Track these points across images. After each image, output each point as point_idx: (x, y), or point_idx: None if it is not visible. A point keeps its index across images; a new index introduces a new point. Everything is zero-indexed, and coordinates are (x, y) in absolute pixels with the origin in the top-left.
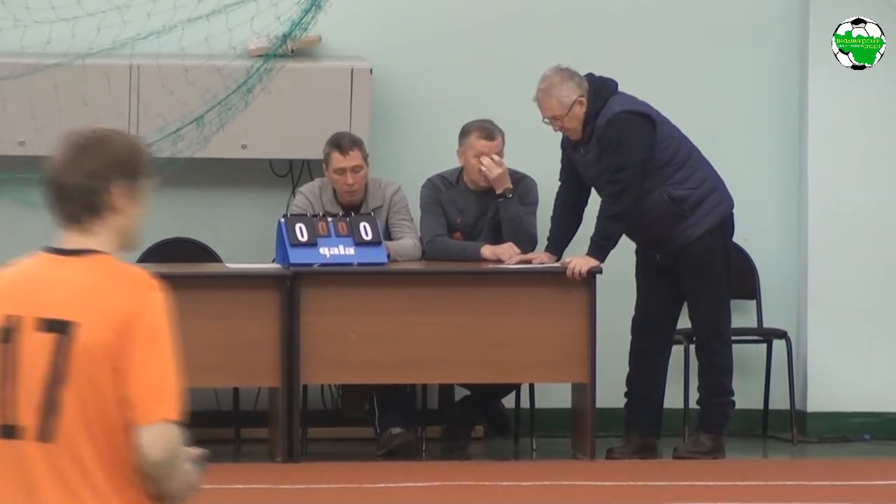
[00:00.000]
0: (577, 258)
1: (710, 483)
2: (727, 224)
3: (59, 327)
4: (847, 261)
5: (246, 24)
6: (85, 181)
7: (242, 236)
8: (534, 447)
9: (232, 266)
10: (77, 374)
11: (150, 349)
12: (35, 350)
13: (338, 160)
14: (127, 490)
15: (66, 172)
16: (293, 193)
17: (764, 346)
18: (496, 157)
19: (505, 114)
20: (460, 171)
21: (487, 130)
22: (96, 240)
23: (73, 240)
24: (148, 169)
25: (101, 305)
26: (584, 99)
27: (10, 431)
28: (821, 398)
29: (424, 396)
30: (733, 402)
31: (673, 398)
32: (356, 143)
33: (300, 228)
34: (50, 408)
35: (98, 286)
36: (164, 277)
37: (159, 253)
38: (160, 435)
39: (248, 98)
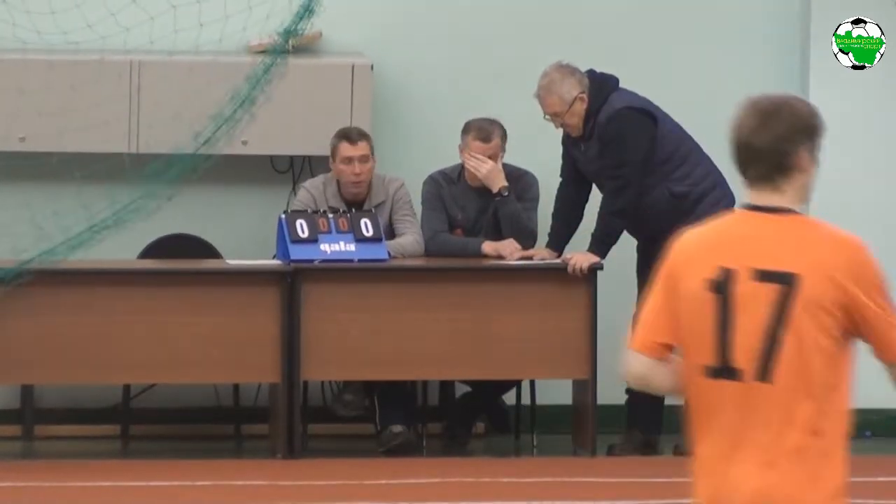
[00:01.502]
0: (578, 254)
1: None
2: None
3: (781, 278)
4: None
5: (246, 20)
6: (776, 144)
7: (243, 232)
8: (535, 444)
9: (232, 262)
10: (796, 320)
11: (873, 299)
12: (754, 298)
13: (346, 149)
14: (828, 432)
15: (757, 137)
16: (294, 190)
17: None
18: (480, 156)
19: (506, 110)
20: (461, 167)
21: (484, 132)
22: (784, 197)
23: (765, 198)
24: (823, 129)
25: (817, 259)
26: (584, 95)
27: (731, 373)
28: None
29: (425, 393)
30: None
31: None
32: (364, 135)
33: (301, 225)
34: (770, 351)
35: (810, 242)
36: (164, 274)
37: (160, 249)
38: None
39: (252, 110)
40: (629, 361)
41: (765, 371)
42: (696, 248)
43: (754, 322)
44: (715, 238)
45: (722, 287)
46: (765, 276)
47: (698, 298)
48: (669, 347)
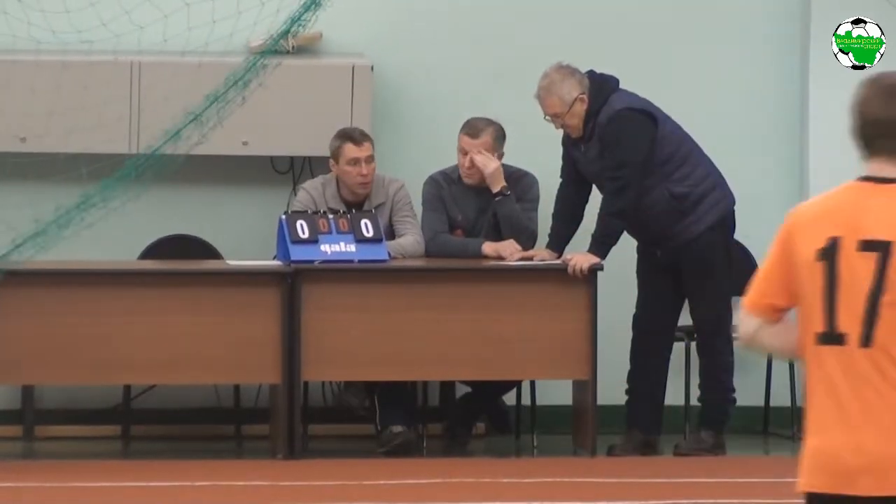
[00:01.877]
0: (578, 255)
1: (711, 480)
2: (729, 221)
3: (880, 246)
4: None
5: (248, 20)
6: None
7: (243, 233)
8: (535, 444)
9: (233, 263)
10: (892, 285)
11: None
12: (858, 267)
13: (352, 150)
14: None
15: (886, 112)
16: (294, 190)
17: None
18: (488, 154)
19: (506, 110)
20: None
21: (473, 128)
22: None
23: (886, 169)
24: None
25: None
26: (584, 96)
27: (837, 338)
28: None
29: (425, 393)
30: (734, 399)
31: (674, 395)
32: (366, 136)
33: (301, 225)
34: (872, 316)
35: None
36: (164, 274)
37: (160, 249)
38: None
39: (245, 93)
40: (741, 321)
41: (868, 337)
42: (810, 217)
43: (858, 289)
44: (828, 208)
45: (830, 256)
46: (868, 245)
47: (810, 267)
48: (780, 310)
